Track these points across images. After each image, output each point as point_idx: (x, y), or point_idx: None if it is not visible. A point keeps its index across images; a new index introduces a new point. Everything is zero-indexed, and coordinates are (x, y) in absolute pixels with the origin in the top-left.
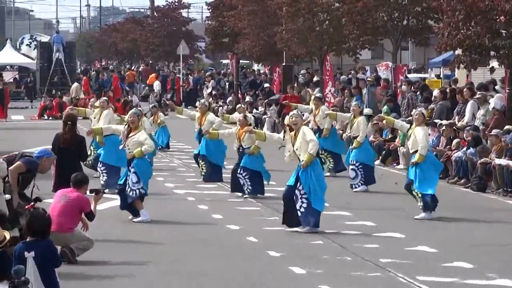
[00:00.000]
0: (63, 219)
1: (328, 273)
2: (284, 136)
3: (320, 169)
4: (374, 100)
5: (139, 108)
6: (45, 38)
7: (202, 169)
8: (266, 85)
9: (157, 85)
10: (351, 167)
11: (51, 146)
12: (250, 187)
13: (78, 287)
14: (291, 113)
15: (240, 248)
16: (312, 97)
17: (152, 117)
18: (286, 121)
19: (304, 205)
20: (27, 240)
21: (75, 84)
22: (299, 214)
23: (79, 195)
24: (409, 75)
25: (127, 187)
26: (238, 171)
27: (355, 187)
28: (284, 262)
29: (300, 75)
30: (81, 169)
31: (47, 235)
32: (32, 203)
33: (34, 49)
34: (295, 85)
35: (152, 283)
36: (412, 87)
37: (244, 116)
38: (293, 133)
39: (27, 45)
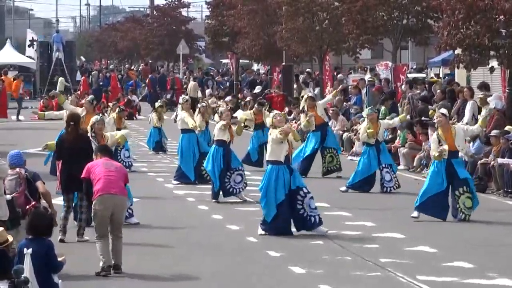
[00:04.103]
0: (121, 184)
1: (328, 273)
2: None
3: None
4: (374, 100)
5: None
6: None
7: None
8: (258, 88)
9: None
10: (385, 170)
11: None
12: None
13: None
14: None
15: (240, 248)
16: (305, 96)
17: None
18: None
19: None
20: (30, 237)
21: (193, 82)
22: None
23: (121, 165)
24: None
25: None
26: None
27: (390, 190)
28: (284, 262)
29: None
30: None
31: (48, 235)
32: (34, 202)
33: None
34: (295, 85)
35: (152, 283)
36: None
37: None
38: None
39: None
